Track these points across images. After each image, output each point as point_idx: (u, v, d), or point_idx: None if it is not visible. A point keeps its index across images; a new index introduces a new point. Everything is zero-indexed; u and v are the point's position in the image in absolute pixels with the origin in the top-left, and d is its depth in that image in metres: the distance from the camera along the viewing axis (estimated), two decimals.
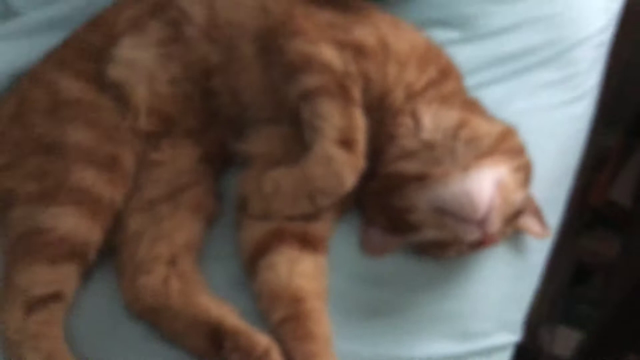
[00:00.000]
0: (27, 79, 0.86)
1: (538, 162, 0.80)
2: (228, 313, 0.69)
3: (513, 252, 0.79)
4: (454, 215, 0.69)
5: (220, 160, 0.84)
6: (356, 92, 0.73)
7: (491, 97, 0.86)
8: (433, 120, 0.74)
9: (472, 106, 0.80)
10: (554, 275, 1.50)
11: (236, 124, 0.82)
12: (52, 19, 1.00)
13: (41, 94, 0.81)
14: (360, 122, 0.72)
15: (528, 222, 0.77)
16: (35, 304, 0.71)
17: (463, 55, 0.88)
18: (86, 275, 0.75)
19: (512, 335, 0.77)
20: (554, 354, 1.39)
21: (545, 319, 1.44)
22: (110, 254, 0.77)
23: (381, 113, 0.76)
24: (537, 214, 0.78)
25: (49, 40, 0.91)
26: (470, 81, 0.87)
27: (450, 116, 0.74)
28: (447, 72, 0.80)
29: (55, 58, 0.87)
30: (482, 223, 0.68)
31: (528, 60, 0.93)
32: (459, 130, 0.73)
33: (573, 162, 0.91)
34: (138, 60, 0.80)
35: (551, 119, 0.89)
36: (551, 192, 0.85)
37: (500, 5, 0.98)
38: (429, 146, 0.73)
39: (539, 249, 0.81)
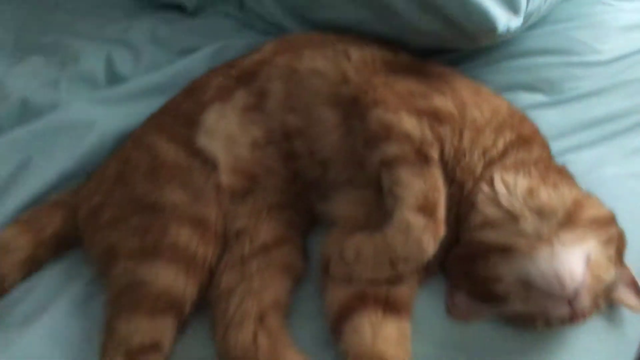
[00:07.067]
0: (129, 142, 0.94)
1: (632, 230, 0.77)
2: None
3: (608, 327, 0.76)
4: (541, 290, 0.68)
5: (306, 220, 0.86)
6: (434, 154, 0.75)
7: (581, 162, 0.85)
8: (505, 187, 0.74)
9: (557, 173, 0.79)
10: None
11: (318, 186, 0.85)
12: (154, 84, 1.09)
13: (142, 156, 0.88)
14: (439, 183, 0.74)
15: (624, 294, 0.75)
16: (135, 353, 0.75)
17: (550, 119, 0.88)
18: (182, 328, 0.79)
19: None
20: None
21: None
22: (205, 308, 0.80)
23: (460, 179, 0.77)
24: (634, 285, 0.75)
25: (150, 104, 0.99)
26: (558, 146, 0.87)
27: (520, 184, 0.74)
28: (528, 139, 0.80)
29: (154, 123, 0.94)
30: (570, 300, 0.67)
31: (618, 124, 0.92)
32: (528, 199, 0.73)
33: None
34: (222, 127, 0.86)
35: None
36: None
37: (586, 70, 0.98)
38: (511, 216, 0.73)
39: (635, 322, 0.78)
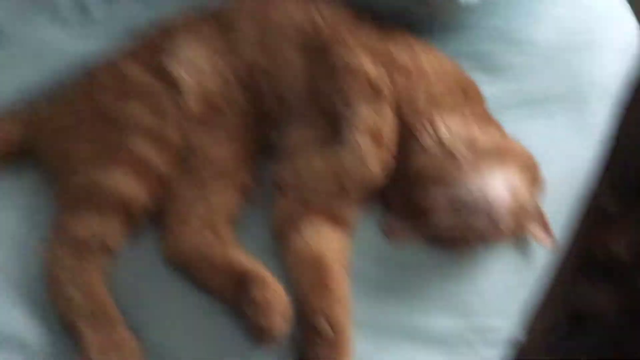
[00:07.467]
0: (97, 65, 0.97)
1: (549, 184, 0.88)
2: (259, 266, 0.77)
3: (519, 254, 0.87)
4: (468, 209, 0.78)
5: (262, 149, 0.93)
6: (386, 92, 0.84)
7: (510, 127, 0.93)
8: (445, 128, 0.85)
9: (491, 123, 0.90)
10: (549, 318, 1.55)
11: (277, 119, 0.92)
12: (124, 21, 1.11)
13: (109, 76, 0.92)
14: (389, 117, 0.83)
15: (536, 229, 0.86)
16: (81, 247, 0.79)
17: (487, 89, 0.97)
18: (131, 232, 0.83)
19: (511, 326, 0.84)
20: None
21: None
22: (155, 217, 0.85)
23: (408, 118, 0.86)
24: (545, 224, 0.87)
25: (119, 37, 1.01)
26: (492, 113, 0.97)
27: (459, 126, 0.85)
28: (469, 92, 0.92)
29: (124, 49, 0.98)
30: (493, 217, 0.77)
31: (546, 101, 1.03)
32: (465, 138, 0.83)
33: (580, 190, 1.00)
34: (191, 58, 0.91)
35: (563, 153, 0.98)
36: (558, 211, 0.93)
37: (523, 54, 1.09)
38: (448, 151, 0.83)
39: (542, 255, 0.89)
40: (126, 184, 0.82)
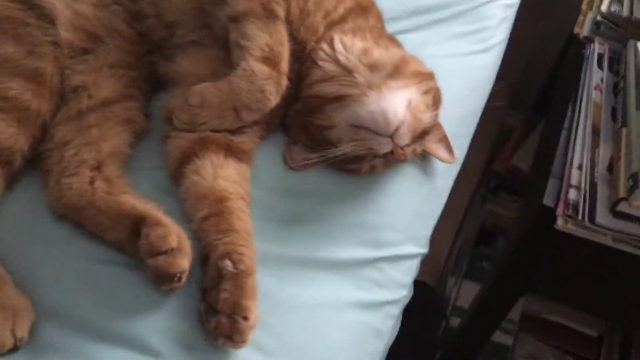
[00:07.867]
0: None
1: (448, 100, 0.87)
2: (153, 208, 0.71)
3: (423, 176, 0.87)
4: (368, 129, 0.76)
5: (151, 82, 0.86)
6: (280, 12, 0.78)
7: (409, 42, 0.94)
8: (343, 47, 0.81)
9: (388, 40, 0.87)
10: (462, 235, 1.62)
11: (163, 47, 0.85)
12: None
13: None
14: (284, 39, 0.78)
15: (437, 148, 0.85)
16: None
17: (384, 4, 0.95)
18: (12, 182, 0.76)
19: (419, 248, 0.84)
20: (457, 305, 1.49)
21: (452, 273, 1.54)
22: (37, 164, 0.78)
23: (303, 38, 0.82)
24: (446, 142, 0.86)
25: None
26: (390, 28, 0.95)
27: (356, 45, 0.82)
28: (366, 8, 0.88)
29: None
30: (393, 136, 0.75)
31: (442, 13, 1.03)
32: (362, 57, 0.81)
33: (479, 104, 1.00)
34: None
35: (461, 64, 0.98)
36: (459, 128, 0.93)
37: None
38: (347, 70, 0.80)
39: (446, 174, 0.89)
40: (3, 133, 0.73)
